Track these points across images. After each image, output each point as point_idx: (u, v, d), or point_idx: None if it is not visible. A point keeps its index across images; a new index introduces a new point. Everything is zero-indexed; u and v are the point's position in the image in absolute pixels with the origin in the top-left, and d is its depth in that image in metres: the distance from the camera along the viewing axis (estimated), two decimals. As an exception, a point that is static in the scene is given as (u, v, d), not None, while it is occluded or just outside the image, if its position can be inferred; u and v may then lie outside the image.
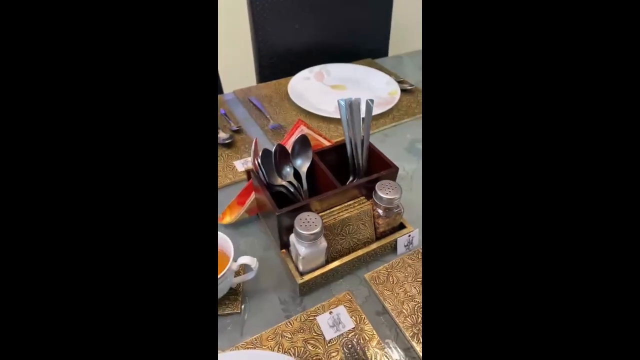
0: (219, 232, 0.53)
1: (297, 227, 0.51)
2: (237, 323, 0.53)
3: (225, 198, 0.70)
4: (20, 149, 0.23)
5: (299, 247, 0.52)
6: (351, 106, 0.61)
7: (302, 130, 0.62)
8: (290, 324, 0.52)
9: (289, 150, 0.61)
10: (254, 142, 0.58)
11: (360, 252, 0.58)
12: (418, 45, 1.14)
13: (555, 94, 0.24)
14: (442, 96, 0.27)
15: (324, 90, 1.04)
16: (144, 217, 0.25)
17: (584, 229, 0.23)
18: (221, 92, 1.10)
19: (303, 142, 0.60)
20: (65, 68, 0.24)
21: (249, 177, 0.66)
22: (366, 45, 1.27)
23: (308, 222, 0.51)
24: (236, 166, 0.78)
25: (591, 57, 0.24)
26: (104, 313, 0.24)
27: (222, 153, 0.81)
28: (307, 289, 0.55)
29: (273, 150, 0.58)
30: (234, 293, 0.55)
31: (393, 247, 0.62)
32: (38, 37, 0.23)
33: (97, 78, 0.24)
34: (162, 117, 0.26)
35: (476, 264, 0.25)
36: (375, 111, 0.92)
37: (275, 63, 1.20)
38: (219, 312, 0.53)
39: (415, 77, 1.12)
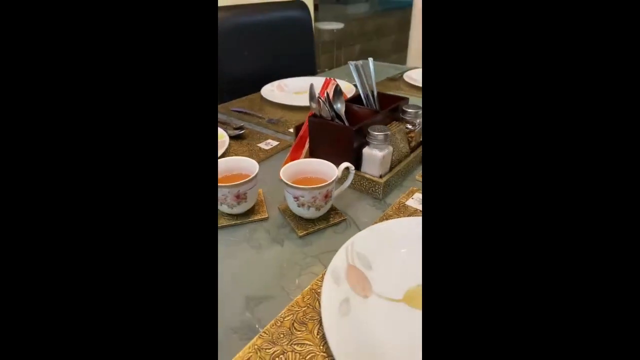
0: (319, 159, 0.63)
1: (373, 132, 0.65)
2: (350, 225, 0.61)
3: (270, 167, 0.79)
4: (16, 146, 0.23)
5: (376, 153, 0.66)
6: (357, 67, 0.80)
7: (334, 83, 0.77)
8: (390, 212, 0.64)
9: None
10: (309, 86, 0.70)
11: (409, 159, 0.74)
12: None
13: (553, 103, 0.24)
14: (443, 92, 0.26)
15: (290, 96, 1.21)
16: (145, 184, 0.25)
17: (584, 225, 0.23)
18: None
19: (338, 91, 0.76)
20: (65, 76, 0.24)
21: (296, 134, 0.77)
22: (300, 65, 1.50)
23: (378, 129, 0.66)
24: (262, 147, 0.87)
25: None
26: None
27: (242, 143, 0.89)
28: (386, 190, 0.68)
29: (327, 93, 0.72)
30: (332, 209, 0.64)
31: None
32: (37, 37, 0.23)
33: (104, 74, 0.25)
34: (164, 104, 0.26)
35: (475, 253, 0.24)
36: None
37: (228, 88, 1.32)
38: (331, 222, 0.61)
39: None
